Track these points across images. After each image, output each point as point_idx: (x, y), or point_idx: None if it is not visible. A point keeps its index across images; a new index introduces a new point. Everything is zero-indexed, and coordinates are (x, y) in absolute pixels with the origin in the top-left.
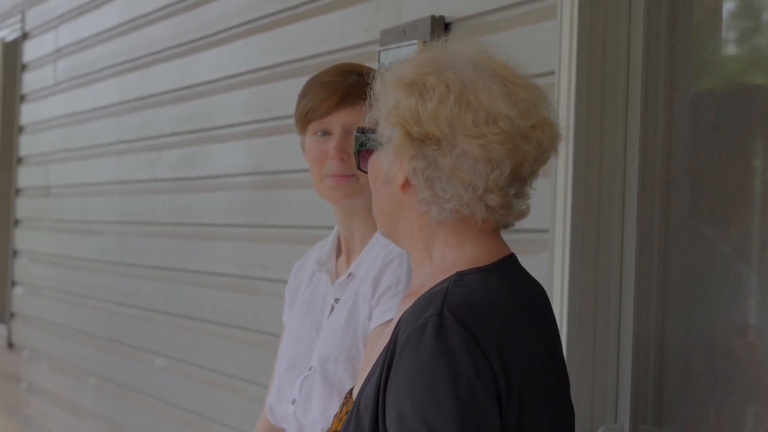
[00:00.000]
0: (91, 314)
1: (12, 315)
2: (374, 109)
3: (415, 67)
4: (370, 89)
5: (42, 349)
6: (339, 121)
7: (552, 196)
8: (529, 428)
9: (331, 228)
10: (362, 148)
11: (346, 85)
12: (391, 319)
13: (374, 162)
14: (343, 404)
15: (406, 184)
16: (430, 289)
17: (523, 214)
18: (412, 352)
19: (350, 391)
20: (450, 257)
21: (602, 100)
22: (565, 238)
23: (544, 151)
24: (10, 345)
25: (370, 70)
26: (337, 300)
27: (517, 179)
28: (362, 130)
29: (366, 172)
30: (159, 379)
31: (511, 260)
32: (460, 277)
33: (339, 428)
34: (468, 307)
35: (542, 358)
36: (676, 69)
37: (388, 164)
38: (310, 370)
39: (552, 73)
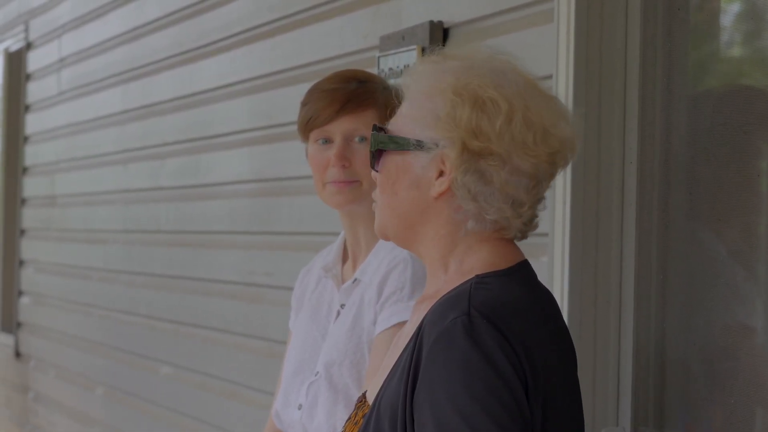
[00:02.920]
0: (97, 323)
1: (19, 325)
2: (406, 107)
3: (466, 74)
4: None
5: (49, 358)
6: (340, 128)
7: (551, 200)
8: (553, 426)
9: (335, 234)
10: (384, 148)
11: (346, 93)
12: (398, 323)
13: (399, 163)
14: (358, 408)
15: (445, 193)
16: (450, 292)
17: (536, 226)
18: (445, 353)
19: (364, 395)
20: (468, 262)
21: (600, 103)
22: (565, 241)
23: (566, 164)
24: (18, 354)
25: (371, 77)
26: (342, 305)
27: (543, 193)
28: (381, 129)
29: (377, 171)
30: (165, 387)
31: (526, 265)
32: (480, 279)
33: None
34: (493, 306)
35: (559, 359)
36: (672, 72)
37: (422, 169)
38: (316, 375)
39: (549, 77)
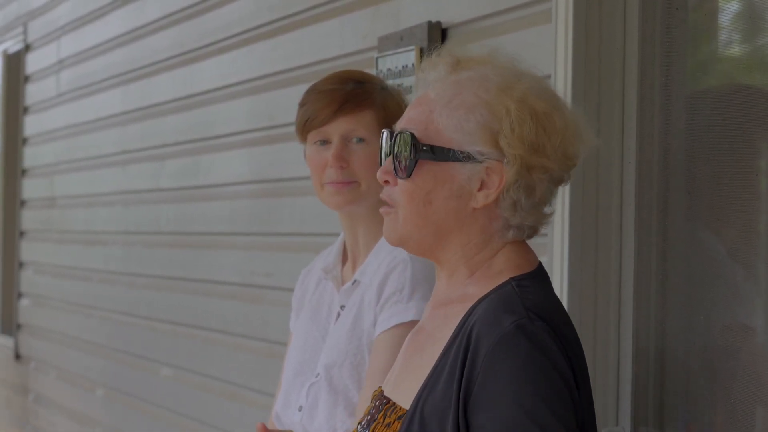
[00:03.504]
0: (97, 325)
1: (19, 326)
2: (441, 117)
3: (511, 85)
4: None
5: (49, 360)
6: (337, 129)
7: None
8: (589, 421)
9: (335, 235)
10: (423, 158)
11: (343, 94)
12: (397, 324)
13: (438, 173)
14: (386, 409)
15: (491, 204)
16: (488, 294)
17: None
18: (508, 356)
19: (386, 396)
20: (496, 265)
21: (598, 103)
22: (564, 241)
23: None
24: (18, 356)
25: (368, 77)
26: (342, 307)
27: None
28: (416, 138)
29: (406, 180)
30: (165, 388)
31: (543, 267)
32: (518, 282)
33: None
34: (544, 308)
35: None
36: (671, 71)
37: (467, 181)
38: (316, 377)
39: (548, 77)
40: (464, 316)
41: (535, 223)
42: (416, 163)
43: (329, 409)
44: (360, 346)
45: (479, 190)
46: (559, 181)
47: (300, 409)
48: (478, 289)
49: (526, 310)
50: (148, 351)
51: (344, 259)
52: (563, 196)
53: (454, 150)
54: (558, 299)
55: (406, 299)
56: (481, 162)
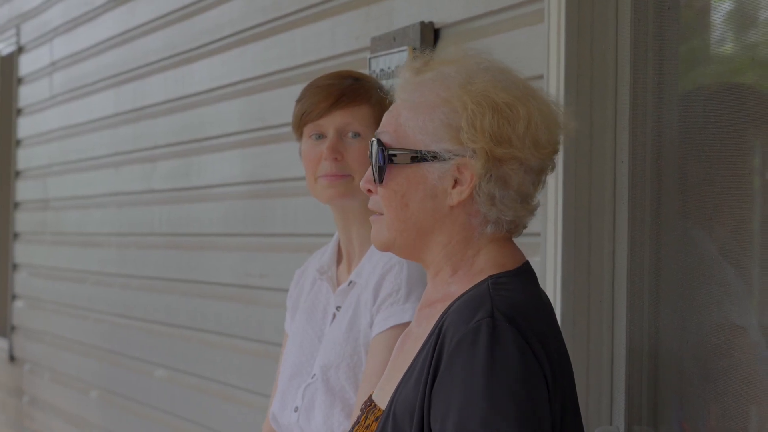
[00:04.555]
0: (91, 327)
1: (13, 328)
2: (408, 119)
3: (473, 80)
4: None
5: (44, 362)
6: (333, 122)
7: (543, 199)
8: (571, 423)
9: (329, 235)
10: (394, 162)
11: (340, 88)
12: (394, 326)
13: (410, 175)
14: (368, 411)
15: (465, 201)
16: (466, 293)
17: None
18: (467, 355)
19: (370, 399)
20: (478, 264)
21: (591, 102)
22: (557, 241)
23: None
24: (12, 358)
25: (366, 77)
26: (338, 308)
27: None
28: (383, 144)
29: (381, 185)
30: (160, 390)
31: (529, 265)
32: (496, 280)
33: None
34: (515, 307)
35: (567, 354)
36: (663, 70)
37: (438, 180)
38: (312, 378)
39: (540, 77)
40: (440, 315)
41: (516, 216)
42: (387, 168)
43: (326, 410)
44: (357, 347)
45: (453, 187)
46: (540, 171)
47: (296, 410)
48: (459, 288)
49: (494, 308)
50: (142, 352)
51: (339, 259)
52: (556, 195)
53: (421, 151)
54: (540, 298)
55: (403, 300)
56: (449, 160)
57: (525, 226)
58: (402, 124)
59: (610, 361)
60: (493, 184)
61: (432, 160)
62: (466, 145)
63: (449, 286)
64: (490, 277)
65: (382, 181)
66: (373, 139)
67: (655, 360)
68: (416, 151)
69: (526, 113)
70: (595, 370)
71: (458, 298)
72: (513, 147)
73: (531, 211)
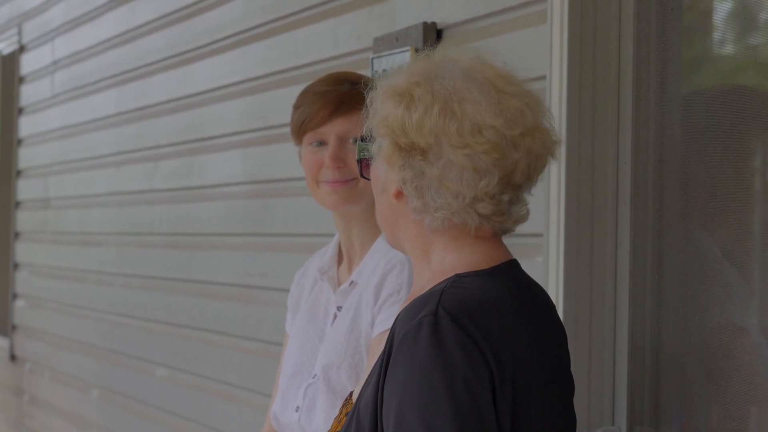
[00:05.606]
0: (92, 326)
1: (14, 327)
2: (369, 118)
3: (406, 76)
4: (367, 98)
5: (44, 361)
6: (333, 130)
7: (545, 200)
8: (522, 427)
9: (329, 235)
10: (363, 157)
11: (338, 95)
12: None
13: (373, 171)
14: (343, 406)
15: (399, 194)
16: (427, 291)
17: (521, 219)
18: (407, 351)
19: (350, 394)
20: (449, 261)
21: (593, 103)
22: (560, 241)
23: (537, 157)
24: (13, 357)
25: (363, 78)
26: (339, 308)
27: (510, 186)
28: (362, 139)
29: (369, 180)
30: (161, 389)
31: (512, 265)
32: (458, 279)
33: (339, 429)
34: (462, 306)
35: (540, 360)
36: (666, 71)
37: (384, 173)
38: (313, 378)
39: (543, 77)
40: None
41: (451, 213)
42: (360, 162)
43: (327, 409)
44: (358, 347)
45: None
46: (475, 170)
47: (297, 409)
48: (430, 284)
49: (440, 306)
50: (143, 352)
51: (340, 259)
52: (559, 195)
53: (369, 147)
54: (508, 297)
55: (404, 300)
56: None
57: (504, 229)
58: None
59: (612, 361)
60: (408, 173)
61: (375, 155)
62: (381, 136)
63: (425, 283)
64: (456, 275)
65: (362, 175)
66: (358, 139)
67: (657, 360)
68: (367, 147)
69: (428, 103)
70: (597, 370)
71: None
72: (411, 135)
73: (472, 208)
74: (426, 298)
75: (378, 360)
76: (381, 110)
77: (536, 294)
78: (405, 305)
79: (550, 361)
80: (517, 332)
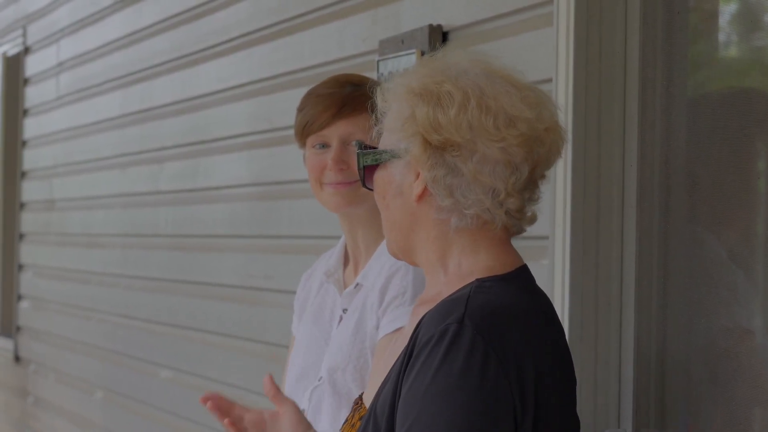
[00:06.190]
0: (96, 327)
1: (18, 329)
2: (379, 122)
3: (424, 76)
4: (372, 103)
5: (48, 362)
6: (336, 132)
7: (551, 202)
8: (547, 429)
9: (334, 237)
10: (367, 165)
11: (341, 97)
12: (400, 328)
13: (383, 176)
14: (355, 410)
15: (423, 194)
16: (450, 296)
17: (534, 219)
18: (428, 358)
19: (360, 397)
20: (466, 265)
21: (600, 106)
22: (565, 244)
23: (554, 153)
24: (17, 359)
25: (366, 81)
26: (345, 310)
27: (531, 182)
28: (364, 146)
29: (371, 189)
30: (165, 391)
31: (525, 271)
32: (481, 283)
33: None
34: (489, 315)
35: (555, 368)
36: (672, 74)
37: (401, 176)
38: (319, 380)
39: (549, 80)
40: (424, 315)
41: (483, 210)
42: (367, 172)
43: (333, 412)
44: (363, 349)
45: (415, 181)
46: (507, 164)
47: (303, 412)
48: (448, 290)
49: (465, 314)
50: (147, 353)
51: (346, 262)
52: (564, 198)
53: (383, 150)
54: (526, 303)
55: (408, 303)
56: (404, 155)
57: (518, 227)
58: (375, 129)
59: (618, 364)
60: (440, 172)
61: (392, 158)
62: (407, 136)
63: (441, 287)
64: (477, 280)
65: (367, 186)
66: (357, 146)
67: (663, 363)
68: (379, 151)
69: (462, 99)
70: (603, 373)
71: (444, 299)
72: (449, 133)
73: (502, 204)
74: (451, 303)
75: (396, 363)
76: (402, 111)
77: (544, 298)
78: (419, 310)
79: (563, 363)
80: (538, 342)
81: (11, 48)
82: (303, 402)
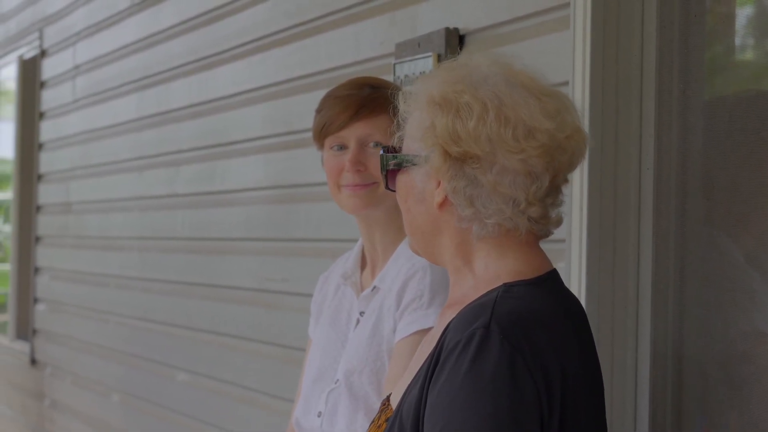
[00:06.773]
0: (113, 330)
1: (35, 332)
2: (401, 128)
3: (445, 84)
4: (394, 106)
5: (65, 365)
6: (354, 134)
7: (568, 206)
8: None
9: (351, 240)
10: (390, 168)
11: (359, 98)
12: (417, 331)
13: (405, 181)
14: (381, 411)
15: (444, 203)
16: (477, 299)
17: (559, 222)
18: (455, 363)
19: (387, 399)
20: (494, 269)
21: (616, 109)
22: (582, 247)
23: (578, 157)
24: (33, 362)
25: (384, 83)
26: (362, 313)
27: (554, 189)
28: (388, 149)
29: (394, 191)
30: (182, 394)
31: (554, 275)
32: (508, 288)
33: None
34: (516, 320)
35: (584, 369)
36: (689, 77)
37: (423, 183)
38: (336, 383)
39: (566, 83)
40: (452, 319)
41: (503, 219)
42: (391, 174)
43: (350, 415)
44: (380, 352)
45: (436, 189)
46: (528, 174)
47: (319, 414)
48: (475, 293)
49: (492, 319)
50: (164, 356)
51: (363, 264)
52: (581, 201)
53: (405, 155)
54: (555, 309)
55: (426, 306)
56: (425, 163)
57: (543, 231)
58: (405, 132)
59: (635, 367)
60: (460, 182)
61: (414, 165)
62: (428, 146)
63: (468, 290)
64: (505, 284)
65: (390, 188)
66: (381, 149)
67: (680, 366)
68: (401, 156)
69: (480, 111)
70: (620, 376)
71: (470, 303)
72: (468, 145)
73: (524, 213)
74: (478, 308)
75: (423, 366)
76: (422, 120)
77: (574, 303)
78: (447, 312)
79: (591, 369)
80: (564, 344)
81: (28, 51)
82: (320, 404)
